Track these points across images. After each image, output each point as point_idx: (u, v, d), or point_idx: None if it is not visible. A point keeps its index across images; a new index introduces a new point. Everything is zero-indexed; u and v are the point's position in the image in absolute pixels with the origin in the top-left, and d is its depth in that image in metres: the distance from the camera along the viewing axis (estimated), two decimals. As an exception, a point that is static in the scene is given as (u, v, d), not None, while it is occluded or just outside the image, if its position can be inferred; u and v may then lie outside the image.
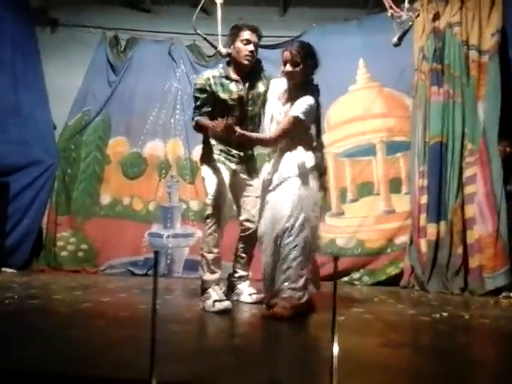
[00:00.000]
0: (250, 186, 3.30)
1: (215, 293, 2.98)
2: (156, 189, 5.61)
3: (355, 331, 2.55)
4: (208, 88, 3.13)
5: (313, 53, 3.02)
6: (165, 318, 2.57)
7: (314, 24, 5.61)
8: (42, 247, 5.49)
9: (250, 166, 3.34)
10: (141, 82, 5.75)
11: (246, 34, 3.14)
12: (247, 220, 3.29)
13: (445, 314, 3.08)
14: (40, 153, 5.54)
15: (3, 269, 4.93)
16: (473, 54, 4.83)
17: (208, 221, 3.06)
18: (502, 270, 4.23)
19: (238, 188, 3.30)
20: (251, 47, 3.15)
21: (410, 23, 4.40)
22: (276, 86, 3.13)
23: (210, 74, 3.18)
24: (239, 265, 3.41)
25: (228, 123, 2.73)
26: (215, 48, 3.29)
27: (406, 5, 4.21)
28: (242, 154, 3.26)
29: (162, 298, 3.27)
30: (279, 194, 2.89)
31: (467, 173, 4.61)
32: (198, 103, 3.16)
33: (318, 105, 2.99)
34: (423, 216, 4.66)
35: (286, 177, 2.90)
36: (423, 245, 4.61)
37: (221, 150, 3.20)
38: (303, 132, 2.98)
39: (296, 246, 2.78)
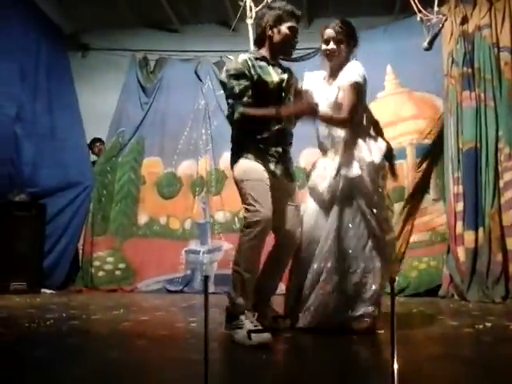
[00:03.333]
0: (290, 191, 2.78)
1: (249, 320, 2.41)
2: (191, 206, 5.67)
3: (398, 345, 2.49)
4: (247, 72, 2.60)
5: (354, 31, 2.78)
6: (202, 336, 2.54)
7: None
8: (79, 268, 5.61)
9: (289, 166, 2.79)
10: (171, 102, 5.90)
11: (294, 22, 2.72)
12: (285, 235, 2.74)
13: (488, 324, 2.98)
14: (76, 175, 5.70)
15: (42, 290, 5.05)
16: (504, 55, 4.73)
17: (249, 230, 2.47)
18: None
19: (276, 193, 2.63)
20: (296, 38, 2.76)
21: (440, 26, 4.36)
22: (312, 78, 2.88)
23: (247, 57, 2.65)
24: (266, 282, 2.77)
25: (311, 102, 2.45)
26: None
27: (436, 8, 4.18)
28: (281, 152, 2.70)
29: (198, 315, 3.27)
30: (343, 216, 2.62)
31: (505, 177, 4.49)
32: (237, 91, 2.58)
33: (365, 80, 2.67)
34: (459, 224, 4.56)
35: (350, 189, 2.61)
36: (461, 253, 4.51)
37: (258, 149, 2.64)
38: (359, 115, 2.66)
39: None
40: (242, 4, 4.03)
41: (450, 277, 4.57)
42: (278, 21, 2.68)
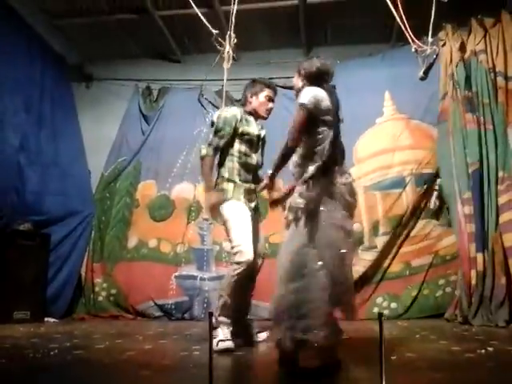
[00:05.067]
0: (259, 221, 3.41)
1: (222, 333, 3.04)
2: (184, 231, 5.64)
3: (398, 371, 2.50)
4: (234, 123, 3.25)
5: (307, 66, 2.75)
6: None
7: (338, 61, 5.72)
8: (81, 295, 5.61)
9: (258, 201, 3.41)
10: (171, 128, 5.97)
11: (270, 92, 3.39)
12: (259, 256, 3.33)
13: (490, 348, 2.99)
14: (78, 203, 5.77)
15: (45, 319, 5.06)
16: (499, 80, 4.82)
17: (236, 267, 3.08)
18: None
19: (253, 225, 3.25)
20: (272, 105, 3.41)
21: (435, 56, 4.45)
22: None
23: (238, 111, 3.33)
24: (243, 302, 3.34)
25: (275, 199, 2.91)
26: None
27: (430, 39, 4.27)
28: (254, 189, 3.32)
29: (201, 343, 3.28)
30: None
31: (500, 200, 4.52)
32: (220, 133, 3.23)
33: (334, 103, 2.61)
34: (473, 246, 4.52)
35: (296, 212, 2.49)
36: (473, 276, 4.46)
37: (245, 189, 3.25)
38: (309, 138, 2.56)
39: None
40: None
41: (459, 300, 4.55)
42: (257, 90, 3.36)
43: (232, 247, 3.15)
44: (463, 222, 4.63)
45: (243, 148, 3.28)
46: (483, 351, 2.93)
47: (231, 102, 5.77)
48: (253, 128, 3.34)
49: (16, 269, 4.94)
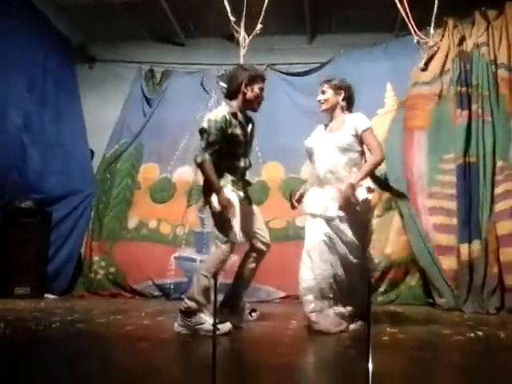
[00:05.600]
0: (253, 209, 3.38)
1: (204, 316, 2.96)
2: (184, 213, 5.72)
3: (388, 350, 2.59)
4: (224, 126, 3.12)
5: (341, 84, 3.42)
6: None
7: (342, 50, 5.75)
8: (80, 273, 5.70)
9: (248, 192, 3.39)
10: (173, 111, 5.99)
11: (262, 83, 3.31)
12: (263, 243, 3.33)
13: (480, 333, 3.07)
14: (79, 183, 5.81)
15: (46, 295, 5.14)
16: (502, 72, 4.85)
17: (226, 248, 3.04)
18: None
19: (244, 214, 3.22)
20: (262, 96, 3.32)
21: (436, 48, 4.50)
22: (314, 135, 3.47)
23: (225, 112, 3.16)
24: (243, 286, 3.39)
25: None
26: None
27: (432, 31, 4.32)
28: (244, 182, 3.33)
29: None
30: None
31: (497, 190, 4.60)
32: (210, 140, 3.11)
33: None
34: (451, 236, 4.71)
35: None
36: (451, 263, 4.64)
37: (232, 181, 3.19)
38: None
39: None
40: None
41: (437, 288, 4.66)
42: (252, 81, 3.24)
43: (218, 233, 3.13)
44: (427, 214, 4.80)
45: (231, 149, 3.20)
46: (472, 335, 3.01)
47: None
48: (241, 129, 3.23)
49: (17, 245, 5.01)
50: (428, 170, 4.96)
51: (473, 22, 5.10)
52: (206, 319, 2.95)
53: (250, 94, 3.24)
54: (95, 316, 3.69)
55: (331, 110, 3.38)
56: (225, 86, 4.73)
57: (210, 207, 3.15)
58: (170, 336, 2.93)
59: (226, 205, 3.06)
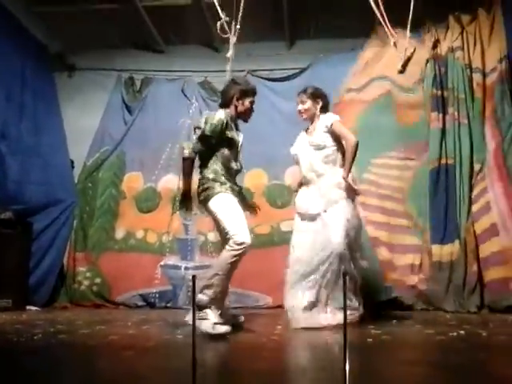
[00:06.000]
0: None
1: (214, 315, 3.08)
2: (169, 221, 5.70)
3: (373, 351, 2.62)
4: (219, 129, 3.30)
5: (318, 92, 3.74)
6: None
7: (322, 55, 5.79)
8: (63, 284, 5.63)
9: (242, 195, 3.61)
10: (154, 119, 5.98)
11: (253, 97, 3.51)
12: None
13: (462, 332, 3.12)
14: (60, 193, 5.76)
15: (28, 307, 5.07)
16: (476, 76, 4.96)
17: (239, 248, 3.12)
18: None
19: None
20: (253, 109, 3.54)
21: (412, 51, 4.58)
22: (298, 141, 3.79)
23: (223, 116, 3.34)
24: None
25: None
26: None
27: (408, 33, 4.40)
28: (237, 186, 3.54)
29: (184, 328, 3.35)
30: (329, 219, 3.41)
31: (474, 192, 4.70)
32: (203, 138, 3.31)
33: None
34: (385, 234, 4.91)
35: (334, 200, 3.43)
36: (426, 265, 4.74)
37: (230, 187, 3.38)
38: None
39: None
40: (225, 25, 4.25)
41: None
42: (244, 95, 3.45)
43: (229, 234, 3.19)
44: None
45: (226, 152, 3.37)
46: (455, 334, 3.06)
47: (215, 93, 5.81)
48: (236, 134, 3.45)
49: (-3, 257, 4.92)
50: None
51: (447, 26, 5.21)
52: (211, 317, 3.04)
53: (241, 107, 3.45)
54: (78, 327, 3.65)
55: (311, 118, 3.67)
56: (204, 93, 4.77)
57: (211, 210, 3.31)
58: (155, 344, 2.92)
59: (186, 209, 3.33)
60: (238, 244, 3.12)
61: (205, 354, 2.55)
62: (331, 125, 3.53)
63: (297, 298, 3.42)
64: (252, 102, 3.49)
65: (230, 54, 4.27)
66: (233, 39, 4.30)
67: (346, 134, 3.54)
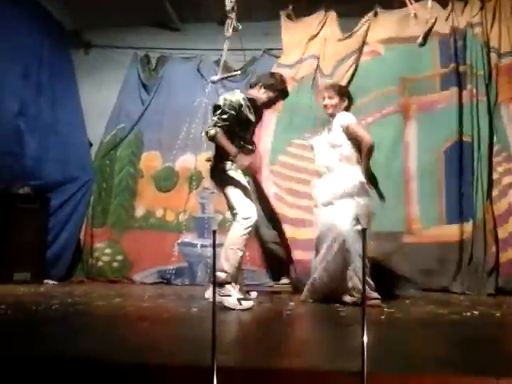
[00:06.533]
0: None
1: (235, 290, 3.23)
2: (186, 200, 5.76)
3: (387, 327, 2.64)
4: (238, 107, 3.40)
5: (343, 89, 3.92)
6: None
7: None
8: (79, 259, 5.72)
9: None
10: (171, 98, 5.97)
11: (279, 100, 3.72)
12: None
13: (476, 312, 3.13)
14: (77, 170, 5.80)
15: (45, 281, 5.16)
16: (493, 56, 4.84)
17: (247, 222, 3.30)
18: None
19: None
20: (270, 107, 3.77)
21: (433, 21, 4.46)
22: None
23: (242, 96, 3.45)
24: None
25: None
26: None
27: (430, 3, 4.29)
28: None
29: (200, 302, 3.41)
30: (338, 209, 3.52)
31: (495, 172, 4.63)
32: (225, 116, 3.38)
33: None
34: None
35: (343, 194, 3.52)
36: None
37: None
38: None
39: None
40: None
41: None
42: (271, 88, 3.55)
43: (235, 210, 3.35)
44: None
45: (241, 133, 3.47)
46: (468, 314, 3.07)
47: (229, 71, 5.76)
48: (252, 115, 3.51)
49: (16, 231, 4.99)
50: (272, 150, 5.10)
51: (465, 1, 5.05)
52: (233, 292, 3.18)
53: (261, 95, 3.56)
54: (95, 299, 3.73)
55: (333, 114, 3.73)
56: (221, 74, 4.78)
57: (221, 187, 3.42)
58: (170, 316, 2.98)
59: (247, 165, 3.36)
60: (245, 219, 3.29)
61: (218, 326, 2.59)
62: (346, 127, 3.61)
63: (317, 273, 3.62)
64: (274, 100, 3.63)
65: (228, 31, 4.24)
66: (232, 16, 4.26)
67: (362, 135, 3.60)
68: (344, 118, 3.65)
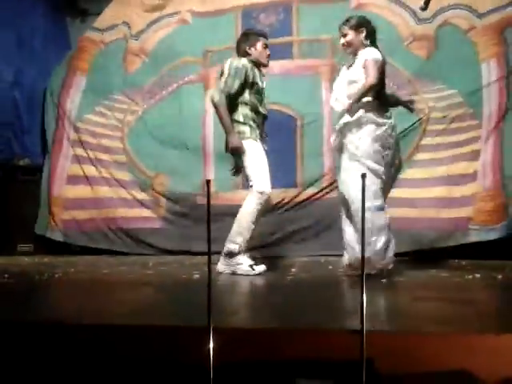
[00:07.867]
0: None
1: (247, 258, 3.32)
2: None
3: (387, 289, 2.65)
4: (243, 72, 3.35)
5: (361, 21, 3.34)
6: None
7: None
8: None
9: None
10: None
11: (264, 40, 3.53)
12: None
13: (477, 275, 3.13)
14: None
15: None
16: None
17: (261, 196, 3.29)
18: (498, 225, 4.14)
19: None
20: (268, 51, 3.55)
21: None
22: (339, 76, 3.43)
23: (246, 61, 3.40)
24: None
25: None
26: None
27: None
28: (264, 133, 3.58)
29: (201, 269, 3.43)
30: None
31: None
32: (229, 83, 3.33)
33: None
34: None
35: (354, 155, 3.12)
36: None
37: (260, 134, 3.48)
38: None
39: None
40: None
41: None
42: (253, 40, 3.48)
43: (252, 182, 3.33)
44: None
45: (253, 98, 3.41)
46: (470, 277, 3.07)
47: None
48: (260, 79, 3.46)
49: (18, 203, 5.00)
50: (79, 108, 5.28)
51: None
52: (245, 260, 3.28)
53: (255, 53, 3.47)
54: (99, 268, 3.75)
55: (355, 50, 3.33)
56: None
57: (239, 155, 3.35)
58: (173, 282, 3.00)
59: (237, 147, 3.30)
60: (260, 192, 3.28)
61: (221, 290, 2.62)
62: (365, 61, 3.22)
63: None
64: (264, 45, 3.50)
65: None
66: None
67: (370, 73, 3.17)
68: (366, 53, 3.25)
